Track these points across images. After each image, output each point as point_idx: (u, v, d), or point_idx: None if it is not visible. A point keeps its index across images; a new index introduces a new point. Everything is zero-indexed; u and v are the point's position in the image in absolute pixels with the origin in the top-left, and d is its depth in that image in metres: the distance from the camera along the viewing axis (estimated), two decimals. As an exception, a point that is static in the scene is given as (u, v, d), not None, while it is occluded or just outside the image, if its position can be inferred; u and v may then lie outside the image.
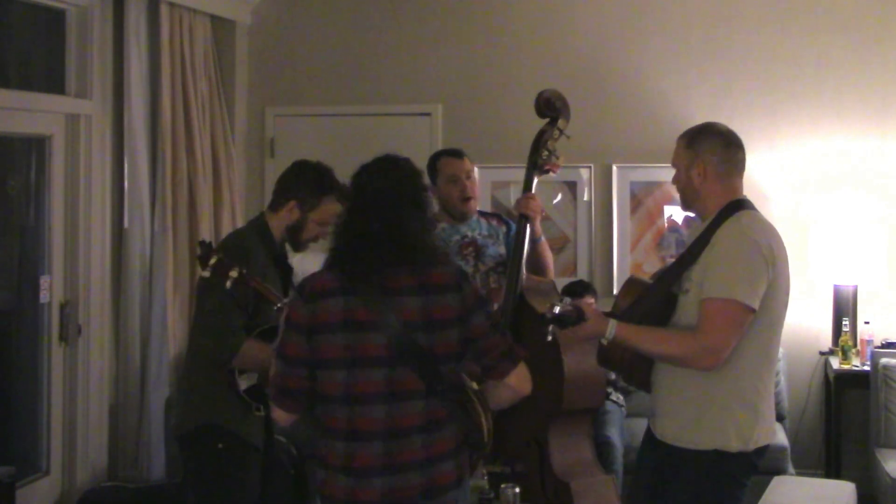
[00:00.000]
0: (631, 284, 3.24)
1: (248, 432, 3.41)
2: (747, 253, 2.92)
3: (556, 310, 2.86)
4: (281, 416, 2.66)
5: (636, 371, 3.14)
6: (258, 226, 3.52)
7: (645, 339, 3.00)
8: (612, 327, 2.93)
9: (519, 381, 2.69)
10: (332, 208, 3.46)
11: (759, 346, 2.99)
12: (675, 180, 3.17)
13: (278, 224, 3.50)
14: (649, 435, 3.19)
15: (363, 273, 2.57)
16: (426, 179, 2.75)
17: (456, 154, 4.14)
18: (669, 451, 3.05)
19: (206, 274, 3.13)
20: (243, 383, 3.33)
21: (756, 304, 2.90)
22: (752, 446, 2.98)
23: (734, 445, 2.95)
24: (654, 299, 3.07)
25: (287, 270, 3.58)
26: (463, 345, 2.62)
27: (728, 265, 2.92)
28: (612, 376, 4.96)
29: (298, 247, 3.59)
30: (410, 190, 2.68)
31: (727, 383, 2.96)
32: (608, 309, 3.23)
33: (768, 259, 2.93)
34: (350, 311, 2.55)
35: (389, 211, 2.61)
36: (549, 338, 2.92)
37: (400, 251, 2.58)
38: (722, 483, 3.01)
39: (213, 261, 3.10)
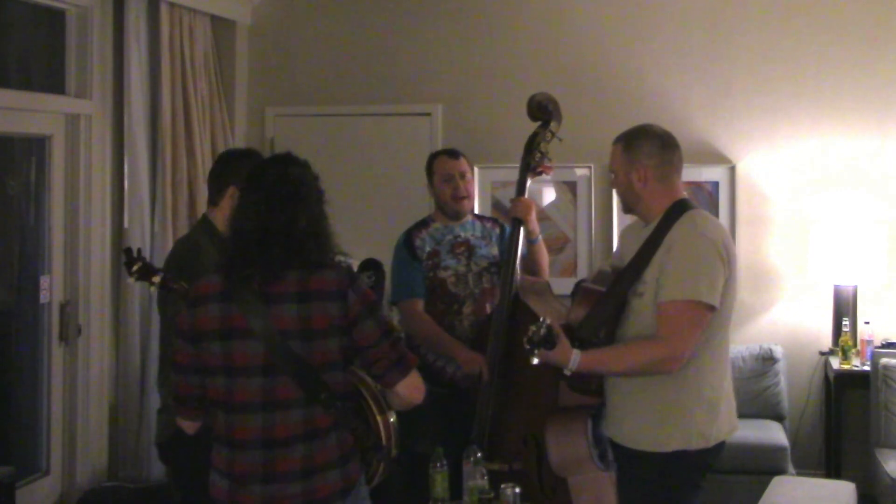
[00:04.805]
0: (583, 293, 3.17)
1: None
2: (706, 252, 2.91)
3: (542, 332, 2.81)
4: (183, 423, 2.68)
5: (593, 379, 3.11)
6: (203, 225, 3.53)
7: (608, 362, 2.98)
8: (574, 359, 2.89)
9: (408, 390, 2.60)
10: None
11: (715, 344, 2.98)
12: (615, 184, 3.16)
13: (222, 217, 3.46)
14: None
15: (244, 279, 2.51)
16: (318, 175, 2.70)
17: (451, 154, 4.18)
18: (627, 453, 3.05)
19: (132, 280, 3.11)
20: None
21: (717, 302, 2.90)
22: (712, 443, 2.98)
23: (695, 444, 2.95)
24: (610, 307, 3.02)
25: None
26: (346, 352, 2.56)
27: (688, 266, 2.90)
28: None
29: None
30: (305, 185, 2.60)
31: (686, 384, 2.94)
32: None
33: (723, 257, 2.93)
34: (227, 319, 2.52)
35: (282, 207, 2.54)
36: (536, 361, 2.84)
37: (286, 252, 2.52)
38: (679, 483, 3.00)
39: (136, 267, 3.05)
